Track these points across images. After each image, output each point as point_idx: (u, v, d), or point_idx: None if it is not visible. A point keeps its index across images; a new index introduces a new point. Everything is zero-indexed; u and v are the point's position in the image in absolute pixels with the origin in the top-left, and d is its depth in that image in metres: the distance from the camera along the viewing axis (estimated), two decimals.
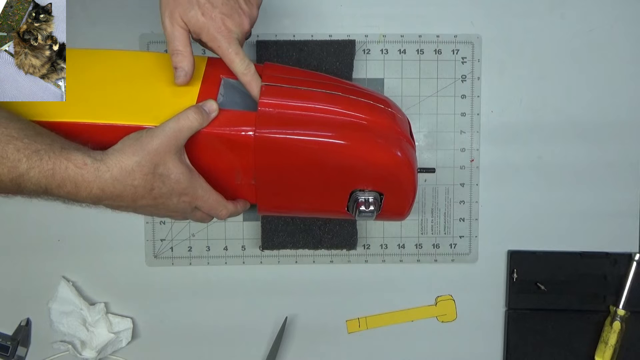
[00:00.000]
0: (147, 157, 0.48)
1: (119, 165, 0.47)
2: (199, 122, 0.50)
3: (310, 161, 0.53)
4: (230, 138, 0.52)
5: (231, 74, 0.55)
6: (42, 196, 0.47)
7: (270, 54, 0.74)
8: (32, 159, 0.45)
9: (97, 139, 0.50)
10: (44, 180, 0.45)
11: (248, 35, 0.57)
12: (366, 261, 0.77)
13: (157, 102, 0.52)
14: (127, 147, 0.48)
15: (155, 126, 0.50)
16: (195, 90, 0.54)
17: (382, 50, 0.75)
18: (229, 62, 0.54)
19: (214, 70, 0.56)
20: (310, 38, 0.74)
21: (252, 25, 0.57)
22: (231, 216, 0.56)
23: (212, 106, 0.52)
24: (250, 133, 0.52)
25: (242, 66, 0.54)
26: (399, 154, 0.54)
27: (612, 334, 0.76)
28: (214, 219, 0.58)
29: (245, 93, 0.56)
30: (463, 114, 0.76)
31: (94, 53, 0.56)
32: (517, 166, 0.77)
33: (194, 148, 0.52)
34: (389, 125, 0.55)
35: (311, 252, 0.77)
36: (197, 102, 0.52)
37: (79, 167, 0.46)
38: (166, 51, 0.74)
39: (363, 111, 0.55)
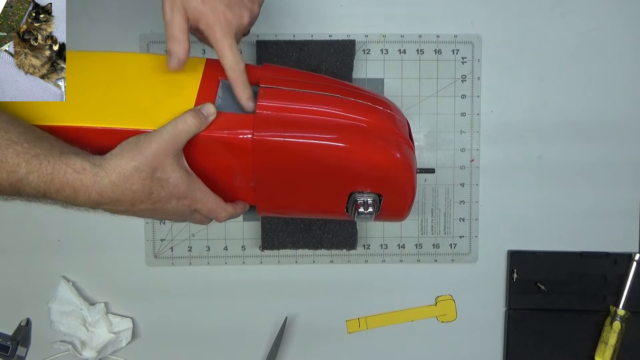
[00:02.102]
0: (145, 162, 0.48)
1: (117, 170, 0.47)
2: (196, 126, 0.50)
3: (308, 164, 0.53)
4: (228, 141, 0.52)
5: None
6: (40, 200, 0.47)
7: (270, 54, 0.74)
8: (31, 163, 0.45)
9: (95, 143, 0.49)
10: (42, 185, 0.45)
11: (246, 32, 0.57)
12: (366, 261, 0.77)
13: (156, 106, 0.52)
14: (126, 151, 0.48)
15: (154, 130, 0.49)
16: (193, 92, 0.53)
17: (382, 50, 0.75)
18: (221, 54, 0.53)
19: (212, 72, 0.55)
20: (310, 38, 0.74)
21: (251, 22, 0.57)
22: (230, 218, 0.56)
23: (209, 110, 0.51)
24: (248, 136, 0.51)
25: (233, 61, 0.53)
26: (398, 155, 0.54)
27: (612, 334, 0.76)
28: (213, 221, 0.58)
29: None
30: (463, 114, 0.76)
31: (92, 55, 0.55)
32: (517, 166, 0.77)
33: (192, 151, 0.51)
34: (387, 128, 0.55)
35: (311, 252, 0.77)
36: (196, 104, 0.52)
37: (77, 172, 0.46)
38: (166, 52, 0.74)
39: (362, 113, 0.54)
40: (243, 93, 0.53)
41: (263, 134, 0.52)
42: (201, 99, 0.53)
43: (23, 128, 0.46)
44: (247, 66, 0.55)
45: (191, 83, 0.54)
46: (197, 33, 0.55)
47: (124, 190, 0.47)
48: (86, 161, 0.46)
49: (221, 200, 0.55)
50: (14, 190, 0.45)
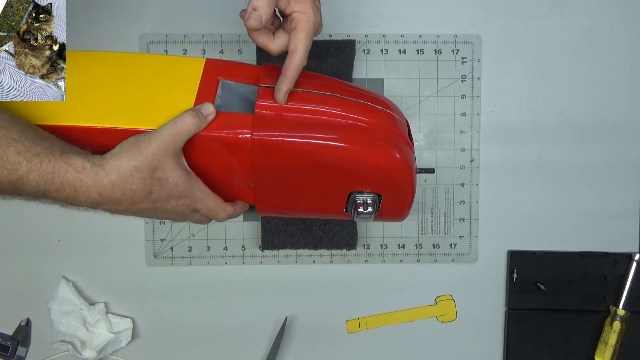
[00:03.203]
0: (145, 162, 0.48)
1: (117, 170, 0.47)
2: (196, 126, 0.50)
3: (308, 163, 0.53)
4: (227, 141, 0.52)
5: (228, 75, 0.55)
6: (40, 199, 0.47)
7: (270, 54, 0.73)
8: (32, 161, 0.44)
9: (95, 143, 0.50)
10: (43, 184, 0.45)
11: None
12: (366, 261, 0.77)
13: (155, 105, 0.52)
14: (125, 151, 0.48)
15: (153, 130, 0.49)
16: (192, 92, 0.53)
17: (382, 50, 0.75)
18: (297, 44, 0.52)
19: (212, 72, 0.55)
20: None
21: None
22: (230, 218, 0.56)
23: (209, 109, 0.51)
24: (248, 136, 0.51)
25: (304, 55, 0.53)
26: (398, 155, 0.54)
27: (612, 334, 0.76)
28: (213, 221, 0.58)
29: (242, 95, 0.56)
30: (463, 114, 0.76)
31: (92, 55, 0.55)
32: (517, 166, 0.77)
33: (191, 151, 0.51)
34: (387, 127, 0.55)
35: (311, 252, 0.77)
36: (195, 104, 0.52)
37: (78, 171, 0.46)
38: (166, 52, 0.74)
39: (361, 113, 0.54)
40: (287, 86, 0.53)
41: (262, 133, 0.52)
42: (201, 98, 0.53)
43: (24, 127, 0.46)
44: (246, 66, 0.55)
45: (191, 83, 0.54)
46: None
47: (124, 190, 0.47)
48: (87, 160, 0.46)
49: (221, 200, 0.55)
50: (14, 189, 0.45)
